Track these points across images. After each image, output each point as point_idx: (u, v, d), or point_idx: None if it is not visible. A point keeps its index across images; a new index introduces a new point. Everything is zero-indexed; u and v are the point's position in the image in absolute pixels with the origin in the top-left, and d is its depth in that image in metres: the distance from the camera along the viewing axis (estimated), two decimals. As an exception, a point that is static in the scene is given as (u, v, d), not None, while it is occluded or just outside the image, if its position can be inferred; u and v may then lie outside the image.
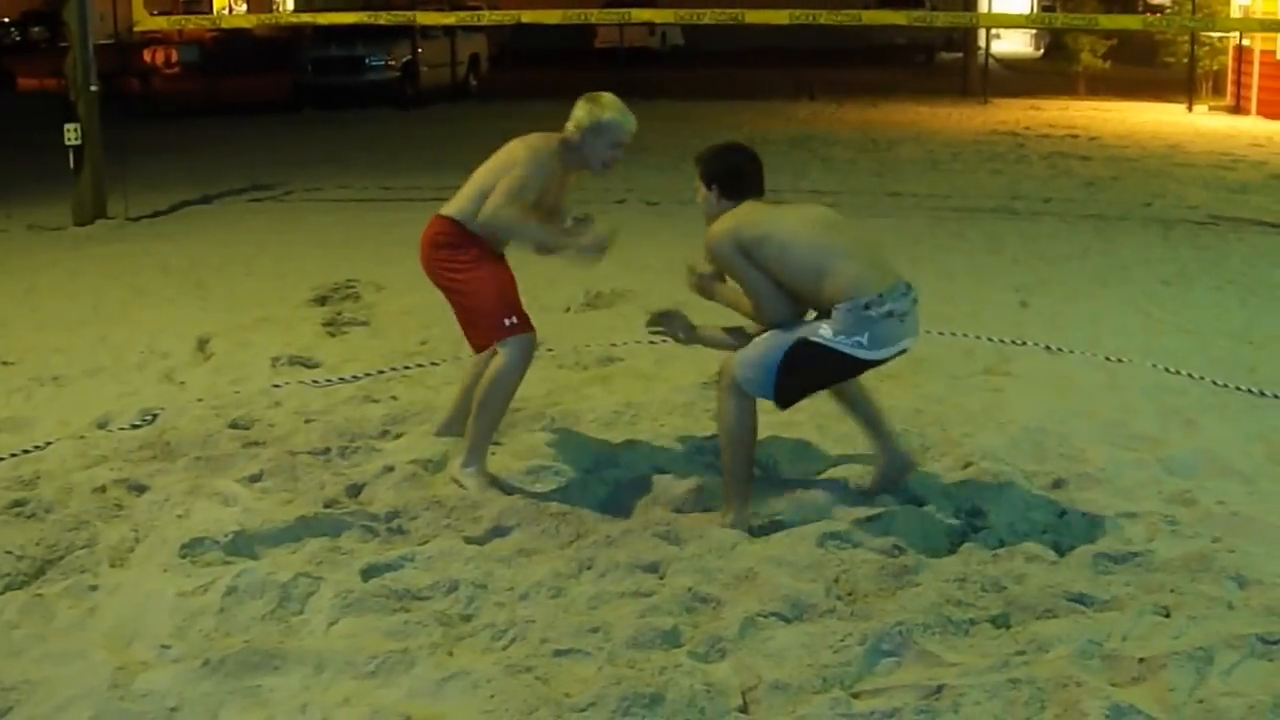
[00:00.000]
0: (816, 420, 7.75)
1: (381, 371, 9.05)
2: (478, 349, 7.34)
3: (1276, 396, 8.45)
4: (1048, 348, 9.59)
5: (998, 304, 11.03)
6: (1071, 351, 9.45)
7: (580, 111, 7.07)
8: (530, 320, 7.05)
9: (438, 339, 9.77)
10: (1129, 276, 12.20)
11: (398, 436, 7.67)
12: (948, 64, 48.05)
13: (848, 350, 6.22)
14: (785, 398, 6.45)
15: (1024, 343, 9.73)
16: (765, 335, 6.42)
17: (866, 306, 6.18)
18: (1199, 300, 11.40)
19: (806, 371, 6.34)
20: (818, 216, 6.59)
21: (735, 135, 23.78)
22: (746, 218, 6.43)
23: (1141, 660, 5.10)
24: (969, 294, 11.36)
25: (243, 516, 6.36)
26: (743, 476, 6.51)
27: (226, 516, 6.36)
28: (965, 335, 9.65)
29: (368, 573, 5.83)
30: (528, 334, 7.00)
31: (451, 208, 7.13)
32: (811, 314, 6.44)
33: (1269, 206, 16.76)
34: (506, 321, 6.94)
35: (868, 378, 6.76)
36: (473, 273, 7.08)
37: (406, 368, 9.14)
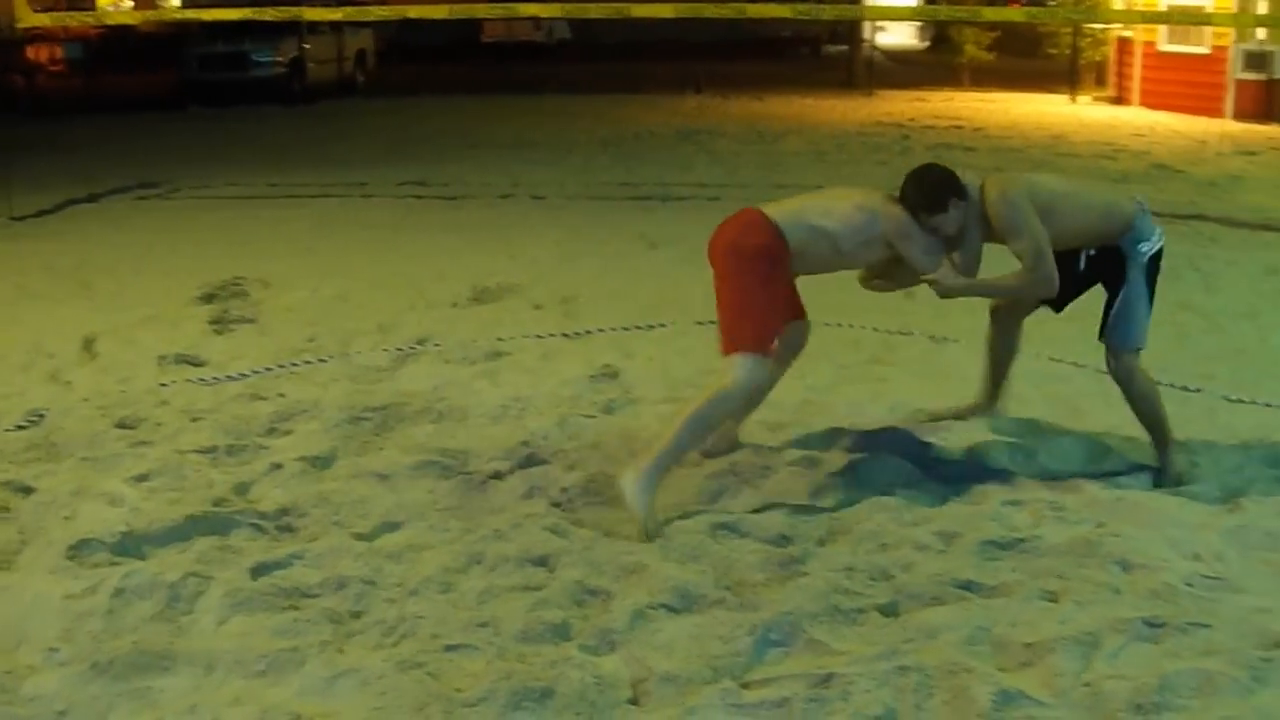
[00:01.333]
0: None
1: (269, 369, 9.00)
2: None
3: (1159, 383, 8.56)
4: (932, 337, 9.66)
5: (884, 294, 11.07)
6: (956, 340, 9.53)
7: None
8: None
9: (325, 335, 9.74)
10: (1009, 264, 12.27)
11: (286, 434, 7.64)
12: (834, 57, 48.31)
13: (1161, 245, 7.08)
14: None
15: (910, 333, 9.81)
16: (1120, 297, 7.05)
17: (1144, 208, 7.10)
18: (1082, 288, 11.50)
19: (1154, 287, 7.11)
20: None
21: (620, 129, 23.91)
22: (1025, 182, 6.99)
23: (1028, 645, 5.17)
24: (855, 284, 11.38)
25: (130, 516, 6.32)
26: (1168, 430, 7.19)
27: (114, 517, 6.32)
28: (851, 325, 9.71)
29: (257, 571, 5.80)
30: (769, 360, 6.79)
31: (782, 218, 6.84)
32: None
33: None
34: (774, 339, 6.81)
35: None
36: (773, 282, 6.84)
37: (294, 364, 9.09)
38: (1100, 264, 7.11)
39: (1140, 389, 7.14)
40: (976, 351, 9.07)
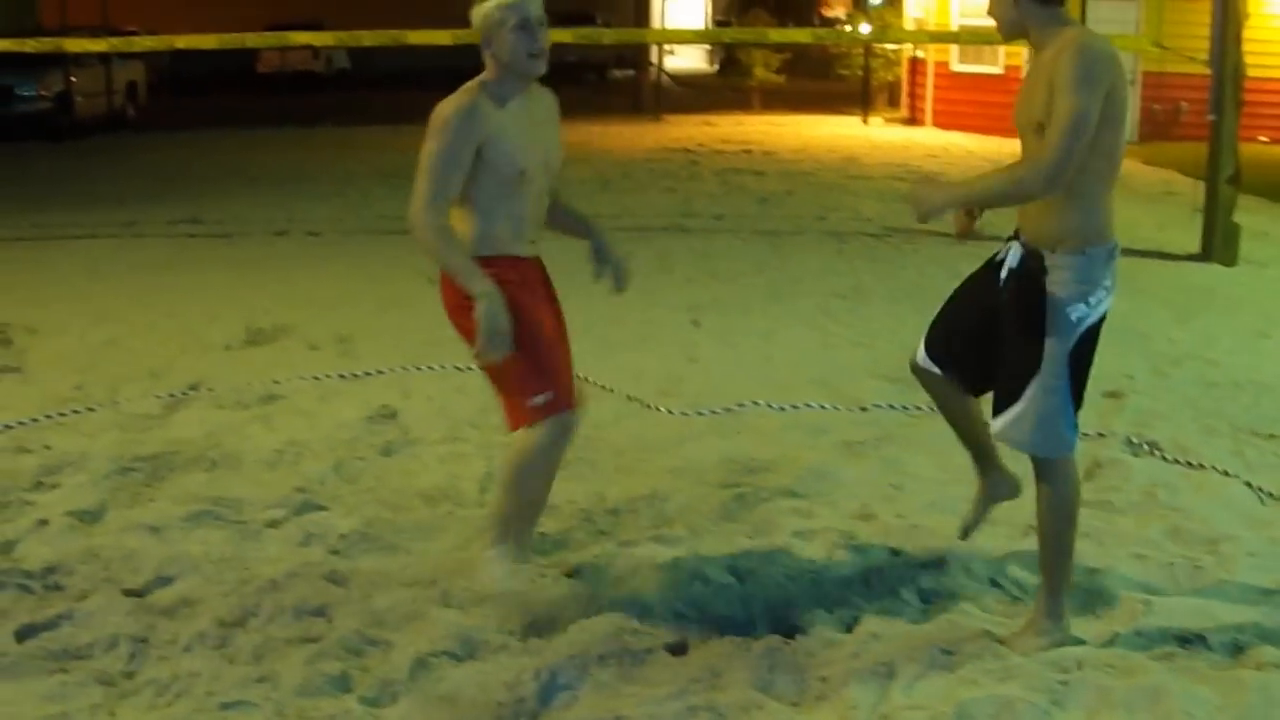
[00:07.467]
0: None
1: (35, 419, 8.63)
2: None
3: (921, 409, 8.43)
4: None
5: (669, 324, 11.04)
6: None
7: (474, 22, 5.66)
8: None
9: (93, 383, 9.40)
10: (802, 291, 12.33)
11: (53, 488, 7.32)
12: (620, 81, 48.48)
13: (1103, 309, 5.29)
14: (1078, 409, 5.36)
15: (696, 360, 9.77)
16: (1024, 385, 5.28)
17: (1111, 253, 5.29)
18: (874, 313, 11.58)
19: (1085, 366, 5.32)
20: None
21: (399, 160, 23.70)
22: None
23: (824, 679, 5.14)
24: (639, 315, 11.33)
25: (-116, 581, 6.04)
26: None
27: None
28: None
29: (23, 633, 5.56)
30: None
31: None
32: None
33: (945, 217, 17.11)
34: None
35: None
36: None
37: (61, 414, 8.73)
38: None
39: (1050, 504, 5.43)
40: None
